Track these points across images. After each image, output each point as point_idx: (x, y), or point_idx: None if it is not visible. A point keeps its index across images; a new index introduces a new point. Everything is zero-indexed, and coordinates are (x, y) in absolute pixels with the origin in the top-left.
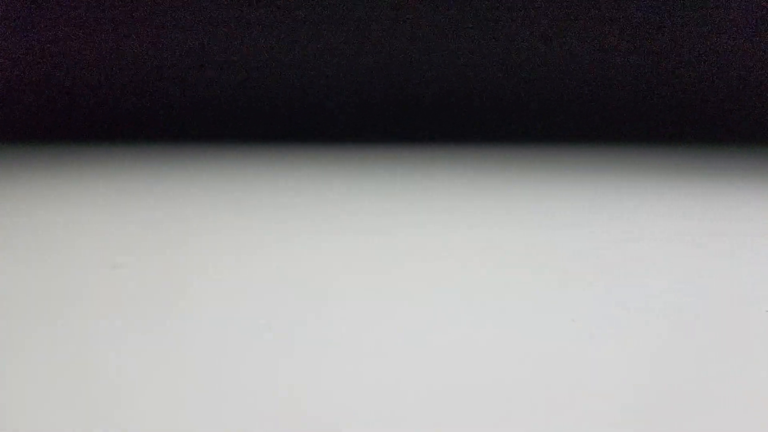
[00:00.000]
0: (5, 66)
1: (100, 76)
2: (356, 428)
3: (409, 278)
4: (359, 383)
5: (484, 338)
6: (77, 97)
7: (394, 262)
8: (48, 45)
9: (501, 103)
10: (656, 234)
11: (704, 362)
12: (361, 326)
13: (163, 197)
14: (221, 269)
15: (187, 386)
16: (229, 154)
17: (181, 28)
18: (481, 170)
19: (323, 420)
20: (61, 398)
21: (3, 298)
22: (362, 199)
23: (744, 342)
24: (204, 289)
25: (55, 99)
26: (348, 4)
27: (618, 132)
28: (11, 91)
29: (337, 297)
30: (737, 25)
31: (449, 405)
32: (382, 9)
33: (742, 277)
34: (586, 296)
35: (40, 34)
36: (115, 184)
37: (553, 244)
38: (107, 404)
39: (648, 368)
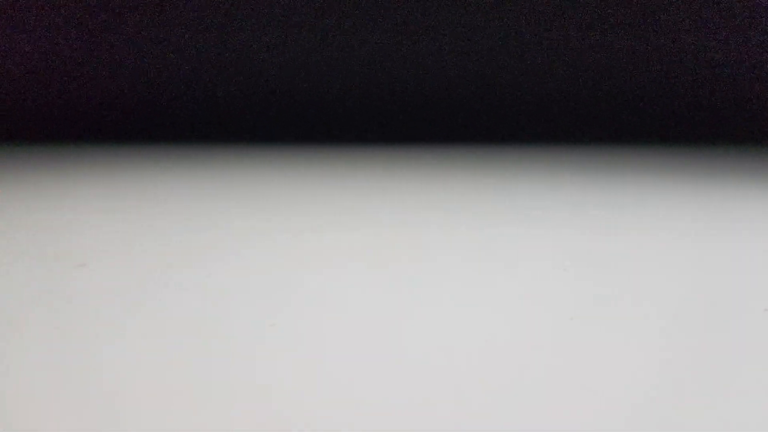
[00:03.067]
0: (6, 67)
1: (100, 77)
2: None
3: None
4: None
5: (480, 337)
6: (76, 98)
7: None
8: (48, 46)
9: (499, 103)
10: (656, 232)
11: (703, 360)
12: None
13: (162, 196)
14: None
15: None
16: (221, 155)
17: (179, 30)
18: (478, 170)
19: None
20: (25, 391)
21: None
22: (360, 198)
23: (744, 341)
24: (194, 284)
25: (55, 100)
26: (347, 5)
27: (617, 132)
28: (11, 92)
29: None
30: (737, 25)
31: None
32: (381, 10)
33: (742, 277)
34: (585, 293)
35: (41, 36)
36: (109, 184)
37: (552, 241)
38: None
39: (646, 366)
